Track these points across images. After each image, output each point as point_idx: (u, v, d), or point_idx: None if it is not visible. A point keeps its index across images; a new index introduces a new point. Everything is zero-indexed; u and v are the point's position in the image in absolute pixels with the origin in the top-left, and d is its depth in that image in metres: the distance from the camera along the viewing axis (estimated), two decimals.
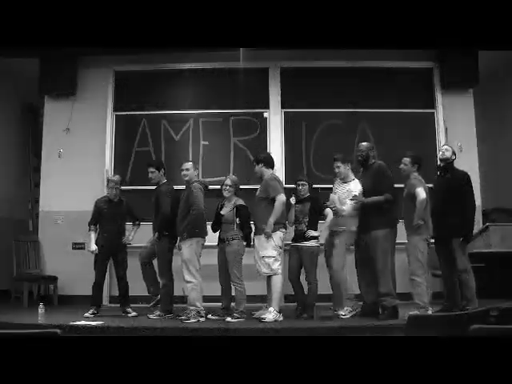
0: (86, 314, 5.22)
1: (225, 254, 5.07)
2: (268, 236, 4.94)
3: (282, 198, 5.02)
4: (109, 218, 5.50)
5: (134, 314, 5.38)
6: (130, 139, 7.00)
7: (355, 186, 5.04)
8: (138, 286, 5.71)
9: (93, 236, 5.51)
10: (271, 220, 4.94)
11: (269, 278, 5.05)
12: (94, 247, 5.45)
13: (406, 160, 5.03)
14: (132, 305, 5.61)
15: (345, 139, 6.91)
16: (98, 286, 5.45)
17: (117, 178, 5.59)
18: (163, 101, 7.12)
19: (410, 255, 4.84)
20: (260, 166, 5.25)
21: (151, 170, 5.47)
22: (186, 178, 5.22)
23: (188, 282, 4.99)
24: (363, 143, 5.33)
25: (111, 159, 6.96)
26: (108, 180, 5.68)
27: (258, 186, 5.36)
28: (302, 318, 5.06)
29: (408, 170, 5.01)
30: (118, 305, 5.63)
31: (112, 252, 5.50)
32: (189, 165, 5.27)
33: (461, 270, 4.98)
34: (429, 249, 4.93)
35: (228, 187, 5.16)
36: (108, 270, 5.73)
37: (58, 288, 6.53)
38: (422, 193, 4.78)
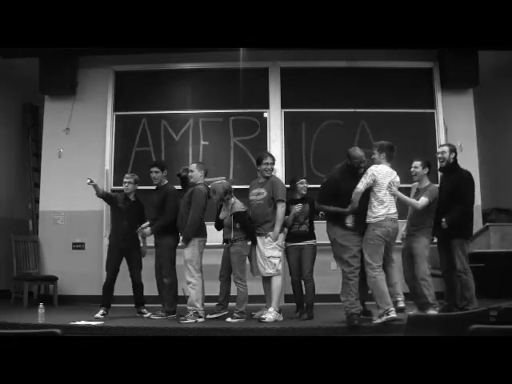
0: (97, 315, 5.15)
1: (229, 254, 5.08)
2: (275, 240, 5.00)
3: (284, 206, 5.08)
4: (123, 214, 5.46)
5: (148, 314, 5.35)
6: (130, 139, 7.00)
7: None
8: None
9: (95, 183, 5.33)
10: (277, 230, 5.00)
11: (267, 278, 5.05)
12: (91, 182, 5.25)
13: (417, 163, 5.02)
14: (124, 305, 5.66)
15: (345, 139, 6.90)
16: (108, 286, 5.39)
17: (129, 174, 5.59)
18: (163, 101, 7.13)
19: (420, 256, 4.79)
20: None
21: (155, 169, 5.43)
22: (191, 180, 5.21)
23: (188, 282, 5.00)
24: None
25: (111, 159, 6.96)
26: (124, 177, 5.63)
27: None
28: (302, 318, 5.05)
29: (419, 173, 5.00)
30: (124, 305, 5.65)
31: (125, 251, 5.44)
32: (193, 166, 5.26)
33: (459, 270, 4.98)
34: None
35: (211, 193, 5.09)
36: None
37: (58, 288, 6.52)
38: (422, 202, 4.80)
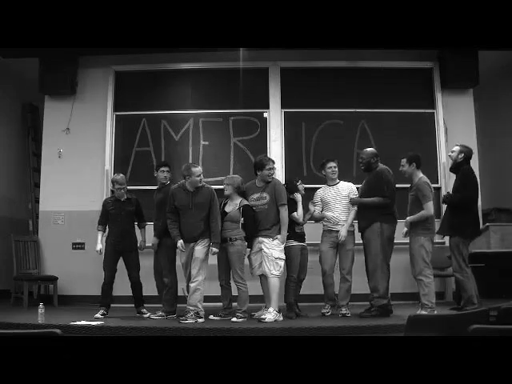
0: (97, 315, 5.12)
1: (226, 254, 5.06)
2: (282, 242, 5.04)
3: (287, 208, 5.09)
4: (115, 217, 5.44)
5: (148, 314, 5.33)
6: (130, 139, 6.99)
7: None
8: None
9: (99, 236, 5.45)
10: (284, 233, 5.03)
11: (265, 278, 5.04)
12: (99, 247, 5.40)
13: (403, 161, 5.03)
14: (124, 305, 5.67)
15: (345, 139, 6.92)
16: (106, 286, 5.37)
17: (121, 177, 5.50)
18: (163, 101, 7.12)
19: (416, 255, 4.77)
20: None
21: (167, 169, 5.45)
22: (199, 185, 5.05)
23: (195, 280, 4.89)
24: (367, 149, 5.31)
25: (111, 159, 6.95)
26: (112, 181, 5.63)
27: None
28: (301, 316, 5.08)
29: (407, 170, 5.00)
30: (123, 305, 5.66)
31: (121, 252, 5.43)
32: (200, 170, 5.08)
33: (454, 270, 5.00)
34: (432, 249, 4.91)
35: (225, 185, 5.17)
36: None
37: (58, 288, 6.52)
38: (431, 209, 4.79)
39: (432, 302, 4.71)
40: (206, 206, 4.99)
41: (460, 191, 5.03)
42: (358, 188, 5.43)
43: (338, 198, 5.35)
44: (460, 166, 5.10)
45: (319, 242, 5.46)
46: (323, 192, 5.47)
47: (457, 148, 5.17)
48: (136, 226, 5.64)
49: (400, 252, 5.19)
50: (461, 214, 4.99)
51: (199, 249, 4.95)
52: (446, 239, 5.97)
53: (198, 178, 5.00)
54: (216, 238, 4.95)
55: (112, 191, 6.57)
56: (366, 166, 5.21)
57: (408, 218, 4.85)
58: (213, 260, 5.18)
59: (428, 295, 4.72)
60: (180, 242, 5.02)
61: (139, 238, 5.61)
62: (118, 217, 5.45)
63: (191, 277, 4.95)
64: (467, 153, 5.12)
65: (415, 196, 4.88)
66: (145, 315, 5.34)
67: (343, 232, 5.17)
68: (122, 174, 5.60)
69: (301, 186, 5.40)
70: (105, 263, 5.45)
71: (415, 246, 4.80)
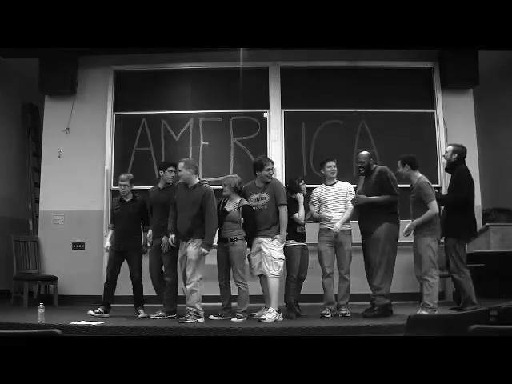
0: (91, 312, 5.17)
1: (227, 254, 5.05)
2: (282, 242, 5.04)
3: (287, 208, 5.09)
4: (119, 217, 5.48)
5: (143, 315, 5.33)
6: (130, 139, 7.00)
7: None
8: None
9: (109, 234, 5.55)
10: (284, 233, 5.03)
11: (265, 278, 5.04)
12: (105, 244, 5.51)
13: (398, 163, 5.00)
14: (124, 305, 5.69)
15: (345, 139, 6.92)
16: (108, 285, 5.41)
17: (125, 176, 5.53)
18: (163, 101, 7.12)
19: (424, 256, 4.72)
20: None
21: (174, 169, 5.46)
22: (181, 180, 5.09)
23: (191, 282, 4.89)
24: (362, 153, 5.30)
25: (111, 159, 6.96)
26: (118, 179, 5.65)
27: None
28: (301, 316, 5.08)
29: (402, 172, 4.98)
30: (124, 305, 5.69)
31: (123, 252, 5.43)
32: (180, 165, 5.08)
33: (451, 271, 4.99)
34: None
35: (225, 187, 5.18)
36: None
37: (58, 288, 6.53)
38: (435, 207, 4.75)
39: (434, 302, 4.69)
40: (196, 205, 4.94)
41: (455, 191, 5.03)
42: (355, 188, 5.42)
43: (336, 197, 5.34)
44: (455, 166, 5.10)
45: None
46: (320, 191, 5.46)
47: (450, 148, 5.17)
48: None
49: (400, 252, 5.17)
50: (456, 215, 4.98)
51: (191, 250, 4.91)
52: None
53: (178, 174, 5.09)
54: (208, 239, 4.89)
55: (113, 191, 6.61)
56: (367, 169, 5.20)
57: (414, 221, 4.78)
58: (213, 260, 5.19)
59: (431, 295, 4.69)
60: (171, 237, 5.07)
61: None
62: (122, 217, 5.47)
63: (187, 278, 4.96)
64: (461, 152, 5.12)
65: (417, 197, 4.86)
66: (139, 315, 5.33)
67: (338, 225, 5.15)
68: (129, 174, 5.66)
69: (303, 186, 5.39)
70: (108, 263, 5.52)
71: (422, 246, 4.75)
